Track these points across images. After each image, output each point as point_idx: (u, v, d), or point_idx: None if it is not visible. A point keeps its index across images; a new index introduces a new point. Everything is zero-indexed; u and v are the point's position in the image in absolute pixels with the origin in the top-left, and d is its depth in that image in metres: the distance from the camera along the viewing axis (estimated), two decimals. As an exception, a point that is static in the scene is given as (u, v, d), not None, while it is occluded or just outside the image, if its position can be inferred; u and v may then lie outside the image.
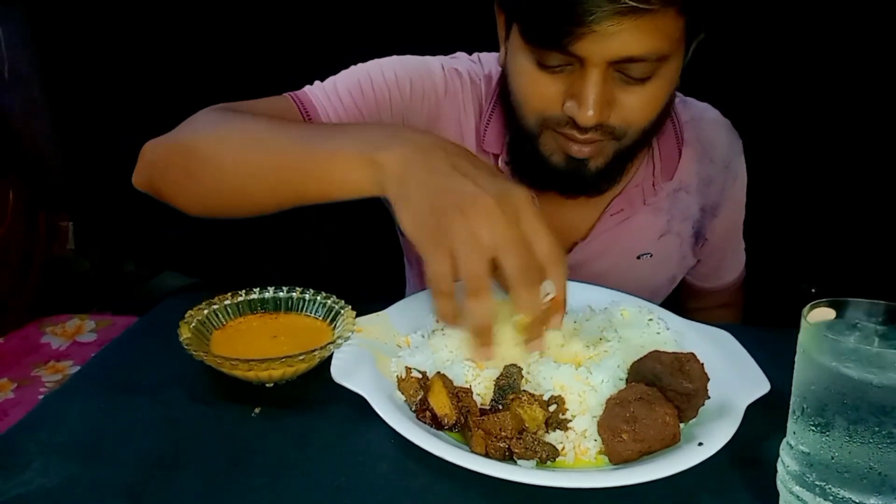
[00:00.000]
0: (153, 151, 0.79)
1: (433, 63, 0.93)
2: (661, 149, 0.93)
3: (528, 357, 0.66)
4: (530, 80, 0.77)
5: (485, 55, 0.97)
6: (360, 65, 0.91)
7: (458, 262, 0.58)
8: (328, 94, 0.88)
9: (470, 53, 0.98)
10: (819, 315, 0.50)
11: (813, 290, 1.46)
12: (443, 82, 0.92)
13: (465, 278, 0.58)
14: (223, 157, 0.73)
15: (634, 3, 0.66)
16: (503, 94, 0.86)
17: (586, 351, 0.68)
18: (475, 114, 0.93)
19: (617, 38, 0.68)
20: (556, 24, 0.69)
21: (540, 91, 0.77)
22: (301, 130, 0.72)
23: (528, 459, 0.56)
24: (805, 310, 0.50)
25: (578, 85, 0.73)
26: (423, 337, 0.71)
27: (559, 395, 0.60)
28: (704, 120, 0.98)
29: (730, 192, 1.00)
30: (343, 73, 0.91)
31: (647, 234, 0.97)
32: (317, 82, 0.90)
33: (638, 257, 0.98)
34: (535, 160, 0.82)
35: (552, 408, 0.59)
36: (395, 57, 0.92)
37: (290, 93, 0.88)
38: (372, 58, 0.92)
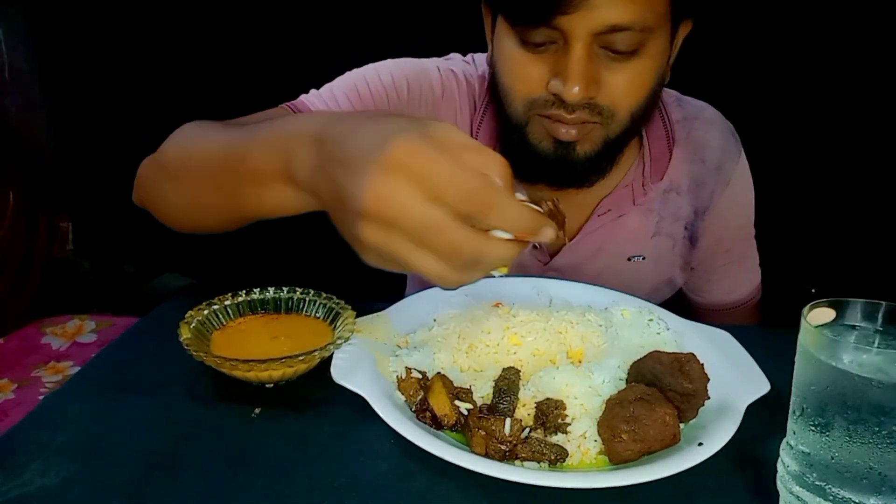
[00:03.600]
0: (143, 169, 0.79)
1: (429, 65, 0.93)
2: (652, 148, 0.92)
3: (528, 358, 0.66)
4: (515, 63, 0.77)
5: (478, 55, 0.96)
6: (355, 70, 0.91)
7: (407, 228, 0.45)
8: (325, 101, 0.87)
9: (464, 55, 0.97)
10: (819, 315, 0.50)
11: (813, 290, 1.46)
12: (439, 84, 0.91)
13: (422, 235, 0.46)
14: (185, 174, 0.70)
15: None
16: (492, 91, 0.85)
17: (584, 343, 0.68)
18: (469, 115, 0.92)
19: (601, 8, 0.69)
20: (537, 4, 0.69)
21: (525, 72, 0.76)
22: (231, 143, 0.63)
23: (536, 462, 0.56)
24: (805, 310, 0.50)
25: (563, 62, 0.73)
26: (421, 336, 0.71)
27: (559, 400, 0.60)
28: (699, 119, 0.95)
29: (720, 197, 0.96)
30: (339, 79, 0.91)
31: (637, 235, 0.95)
32: (313, 90, 0.90)
33: (629, 259, 0.96)
34: (523, 150, 0.81)
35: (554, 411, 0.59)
36: (390, 60, 0.92)
37: (287, 103, 0.88)
38: (368, 61, 0.92)
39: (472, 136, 0.89)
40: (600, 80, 0.74)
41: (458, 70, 0.93)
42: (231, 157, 0.61)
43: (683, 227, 0.97)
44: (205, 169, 0.66)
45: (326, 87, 0.90)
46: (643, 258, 0.96)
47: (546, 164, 0.81)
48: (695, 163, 0.94)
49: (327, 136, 0.51)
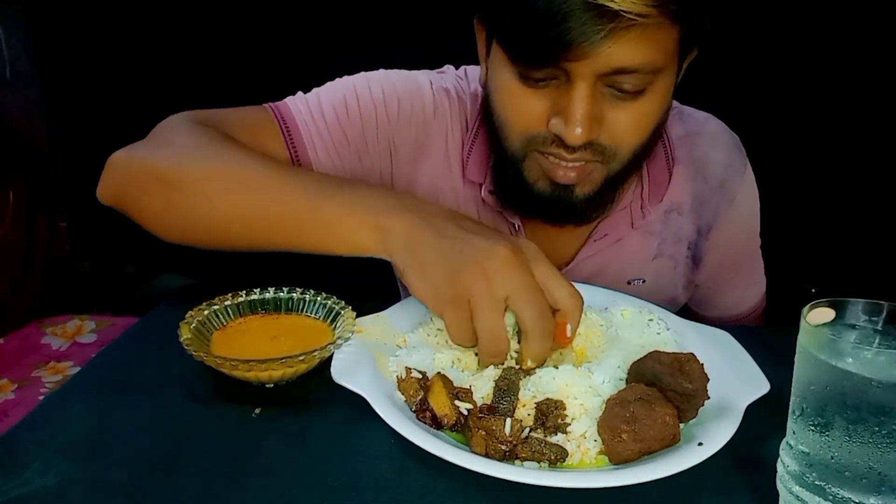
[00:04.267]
0: (124, 169, 0.75)
1: (422, 81, 0.88)
2: (650, 170, 0.88)
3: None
4: (513, 96, 0.72)
5: (472, 69, 0.92)
6: (346, 79, 0.87)
7: (476, 319, 0.61)
8: (311, 110, 0.83)
9: (462, 60, 0.94)
10: (819, 315, 0.50)
11: (813, 290, 1.46)
12: (431, 103, 0.87)
13: (482, 337, 0.61)
14: (215, 199, 0.71)
15: (630, 17, 0.62)
16: (485, 116, 0.81)
17: (585, 343, 0.69)
18: (461, 135, 0.88)
19: (607, 51, 0.64)
20: (544, 42, 0.65)
21: (524, 107, 0.72)
22: (303, 182, 0.70)
23: (536, 461, 0.56)
24: (805, 310, 0.50)
25: (565, 100, 0.68)
26: (421, 336, 0.71)
27: (559, 400, 0.60)
28: (701, 134, 0.91)
29: (724, 215, 0.92)
30: (328, 86, 0.87)
31: (636, 258, 0.92)
32: (300, 94, 0.86)
33: (629, 283, 0.93)
34: (519, 185, 0.78)
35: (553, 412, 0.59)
36: (382, 72, 0.88)
37: (272, 105, 0.84)
38: (367, 61, 0.90)
39: (464, 159, 0.87)
40: (603, 119, 0.70)
41: (451, 87, 0.89)
42: (306, 215, 0.68)
43: (686, 248, 0.93)
44: (264, 214, 0.70)
45: (314, 93, 0.86)
46: (643, 281, 0.93)
47: (542, 201, 0.78)
48: (697, 181, 0.91)
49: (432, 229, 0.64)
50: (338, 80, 0.88)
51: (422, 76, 0.89)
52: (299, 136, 0.82)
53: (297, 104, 0.85)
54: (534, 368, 0.64)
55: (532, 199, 0.78)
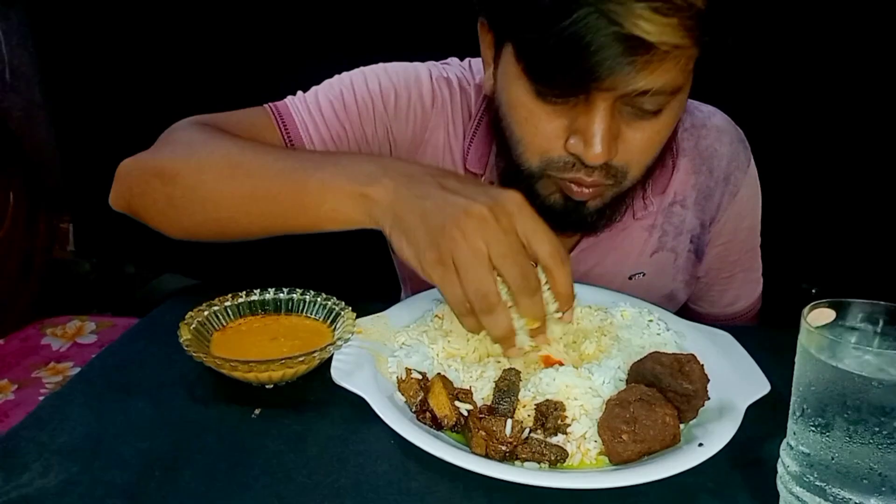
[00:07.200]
0: (130, 173, 0.78)
1: (421, 72, 0.89)
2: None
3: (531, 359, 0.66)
4: (530, 115, 0.71)
5: (476, 61, 0.91)
6: (343, 74, 0.88)
7: (464, 284, 0.59)
8: (309, 107, 0.85)
9: (462, 59, 0.93)
10: (819, 315, 0.50)
11: (813, 290, 1.46)
12: (430, 93, 0.87)
13: (474, 299, 0.59)
14: (207, 187, 0.72)
15: (666, 49, 0.61)
16: (494, 123, 0.80)
17: (587, 346, 0.68)
18: (462, 126, 0.89)
19: (630, 77, 0.63)
20: (573, 71, 0.63)
21: (541, 127, 0.71)
22: (287, 160, 0.72)
23: (536, 462, 0.56)
24: (805, 310, 0.50)
25: (583, 119, 0.68)
26: (418, 336, 0.71)
27: (558, 401, 0.60)
28: (707, 127, 0.91)
29: (727, 208, 0.93)
30: (326, 83, 0.88)
31: (638, 252, 0.92)
32: (299, 93, 0.88)
33: (630, 277, 0.93)
34: (529, 197, 0.75)
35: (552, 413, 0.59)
36: (380, 65, 0.89)
37: (271, 104, 0.86)
38: (366, 60, 0.90)
39: (465, 149, 0.88)
40: (620, 137, 0.69)
41: (452, 77, 0.89)
42: (292, 193, 0.69)
43: (689, 241, 0.93)
44: (253, 197, 0.71)
45: (312, 91, 0.87)
46: (643, 275, 0.93)
47: (553, 213, 0.76)
48: (702, 174, 0.91)
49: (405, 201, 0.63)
50: (336, 76, 0.89)
51: (421, 67, 0.90)
52: (296, 131, 0.84)
53: (295, 101, 0.86)
54: (538, 329, 0.63)
55: (542, 210, 0.76)
